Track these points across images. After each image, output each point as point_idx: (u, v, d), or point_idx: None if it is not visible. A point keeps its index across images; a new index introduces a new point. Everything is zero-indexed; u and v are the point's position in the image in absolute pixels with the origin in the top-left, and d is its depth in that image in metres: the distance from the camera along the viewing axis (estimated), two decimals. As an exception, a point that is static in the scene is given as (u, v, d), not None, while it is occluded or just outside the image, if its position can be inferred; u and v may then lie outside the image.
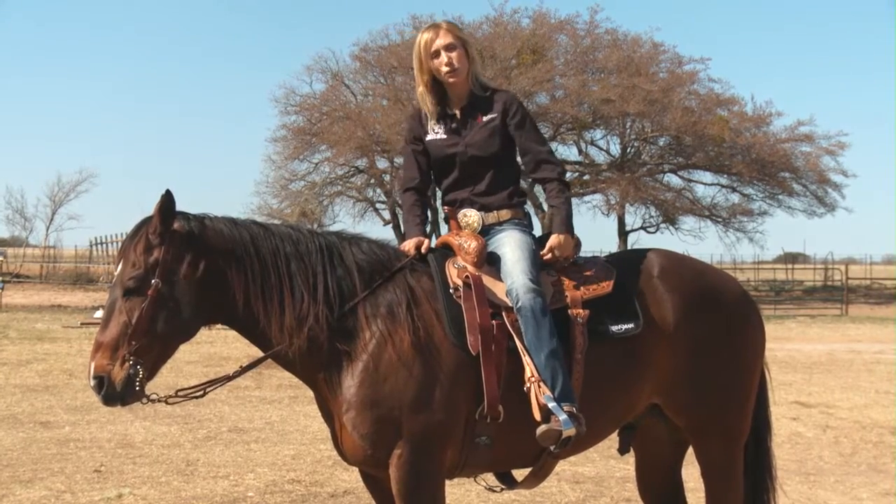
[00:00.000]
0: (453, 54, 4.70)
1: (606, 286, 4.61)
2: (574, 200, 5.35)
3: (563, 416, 4.24)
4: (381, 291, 4.41)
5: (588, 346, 4.47)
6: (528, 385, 4.31)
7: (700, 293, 4.80)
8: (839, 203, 45.26)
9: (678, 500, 5.20)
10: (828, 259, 60.53)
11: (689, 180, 46.91)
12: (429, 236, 4.77)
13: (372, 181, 47.01)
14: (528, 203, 5.12)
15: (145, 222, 4.30)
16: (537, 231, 4.83)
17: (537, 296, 4.35)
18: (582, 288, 4.58)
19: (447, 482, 4.46)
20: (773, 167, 43.01)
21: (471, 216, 4.72)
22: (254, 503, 7.43)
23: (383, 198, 47.34)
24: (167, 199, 4.24)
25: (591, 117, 40.85)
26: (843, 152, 43.96)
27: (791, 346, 20.81)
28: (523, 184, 4.96)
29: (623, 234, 48.23)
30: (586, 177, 44.02)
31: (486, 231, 4.70)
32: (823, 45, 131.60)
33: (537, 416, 4.29)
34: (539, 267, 4.53)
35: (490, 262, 4.56)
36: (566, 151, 44.66)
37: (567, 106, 38.41)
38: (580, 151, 45.89)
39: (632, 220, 48.32)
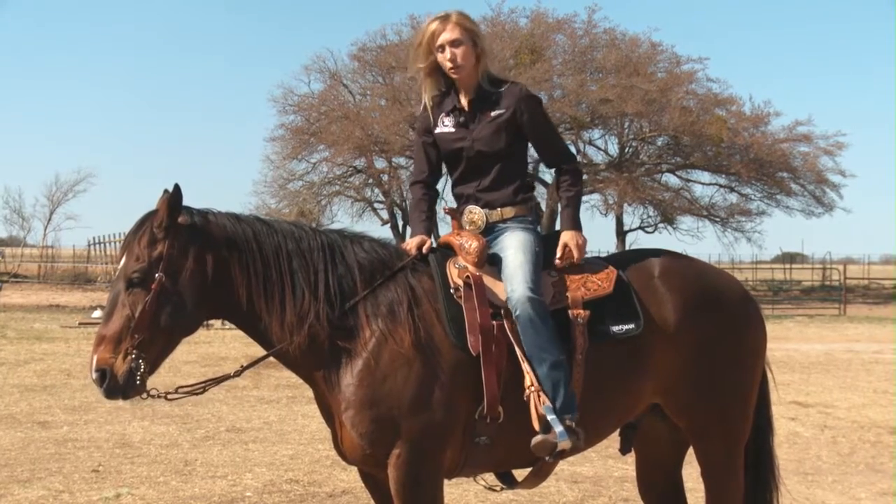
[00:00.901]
0: (458, 50, 4.63)
1: (607, 287, 4.59)
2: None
3: (559, 429, 4.24)
4: (382, 290, 4.40)
5: (589, 347, 4.46)
6: (527, 393, 4.31)
7: (701, 293, 4.79)
8: (837, 203, 45.39)
9: (678, 500, 5.20)
10: (826, 259, 60.60)
11: (688, 180, 46.98)
12: (432, 232, 4.76)
13: (370, 181, 47.04)
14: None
15: (149, 216, 4.30)
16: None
17: (536, 305, 4.32)
18: (582, 288, 4.56)
19: (446, 482, 4.45)
20: (771, 167, 43.05)
21: (475, 213, 4.70)
22: (252, 503, 7.42)
23: (381, 198, 47.38)
24: (176, 193, 4.25)
25: (590, 117, 40.87)
26: (842, 152, 44.07)
27: (789, 346, 20.81)
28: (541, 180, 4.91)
29: (621, 233, 48.28)
30: (584, 177, 43.97)
31: (490, 228, 4.68)
32: (822, 45, 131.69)
33: (536, 425, 4.29)
34: (540, 269, 4.50)
35: (491, 262, 4.55)
36: (564, 151, 44.59)
37: (565, 106, 38.42)
38: (578, 151, 45.81)
39: (630, 219, 48.45)
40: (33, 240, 59.18)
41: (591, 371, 4.46)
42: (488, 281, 4.45)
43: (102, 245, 48.17)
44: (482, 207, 4.69)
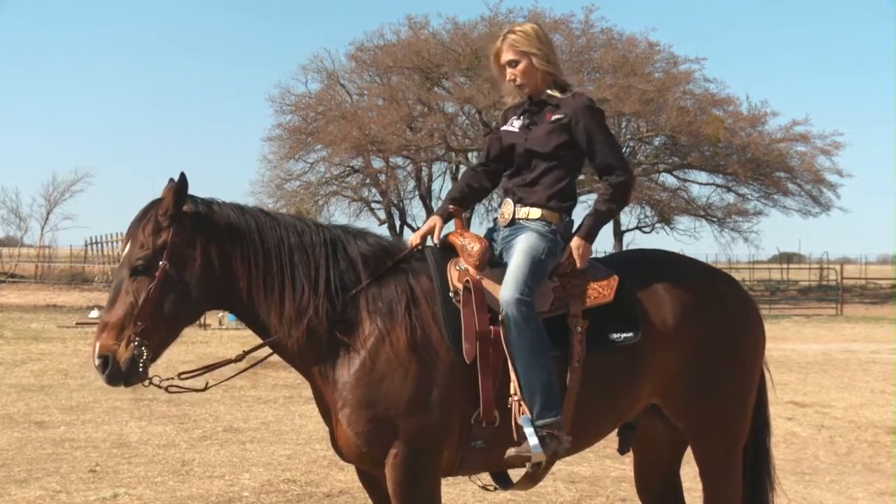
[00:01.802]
0: (517, 70, 4.71)
1: (608, 294, 4.57)
2: (577, 200, 5.29)
3: (533, 442, 4.25)
4: (383, 286, 4.41)
5: (587, 354, 4.46)
6: (510, 401, 4.32)
7: (700, 294, 4.79)
8: (834, 203, 45.45)
9: (676, 501, 5.19)
10: (823, 259, 60.68)
11: (685, 180, 47.02)
12: (447, 215, 4.78)
13: (367, 181, 47.03)
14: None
15: (154, 204, 4.32)
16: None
17: (521, 307, 4.31)
18: (583, 296, 4.56)
19: (443, 481, 4.46)
20: (768, 167, 43.10)
21: (506, 206, 4.75)
22: (249, 503, 7.42)
23: (379, 197, 47.35)
24: (182, 182, 4.27)
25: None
26: (839, 152, 44.11)
27: (786, 346, 20.82)
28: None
29: (618, 233, 48.27)
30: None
31: (512, 224, 4.69)
32: (819, 45, 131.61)
33: (514, 435, 4.31)
34: (542, 275, 4.49)
35: (495, 264, 4.56)
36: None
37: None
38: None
39: (627, 219, 48.40)
40: (30, 240, 59.08)
41: (588, 376, 4.46)
42: (488, 285, 4.44)
43: (99, 245, 48.17)
44: (515, 203, 4.71)
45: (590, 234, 4.67)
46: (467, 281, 4.39)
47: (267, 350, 4.56)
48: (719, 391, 4.76)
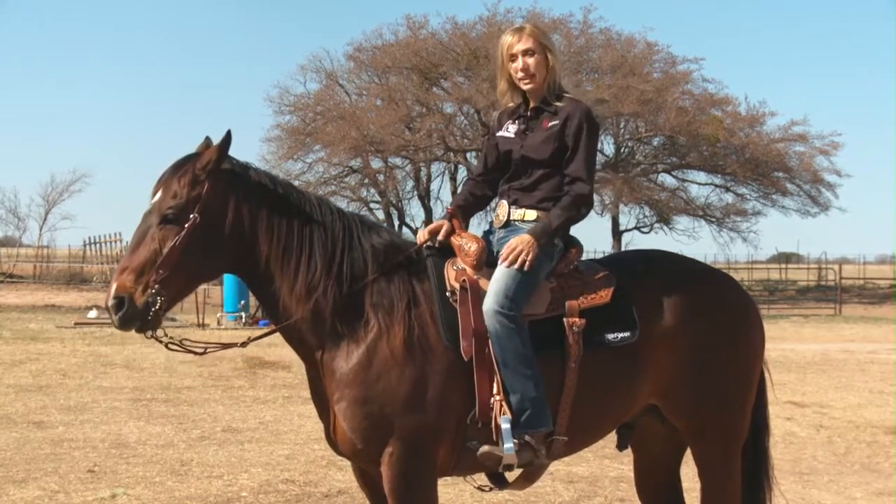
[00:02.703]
0: (531, 60, 4.65)
1: (605, 295, 4.56)
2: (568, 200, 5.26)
3: (507, 444, 4.25)
4: (388, 282, 4.42)
5: (584, 354, 4.45)
6: (492, 401, 4.31)
7: (699, 294, 4.78)
8: (833, 203, 45.55)
9: (676, 501, 5.19)
10: (821, 259, 60.77)
11: (683, 180, 47.08)
12: (455, 222, 4.75)
13: (366, 181, 47.09)
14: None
15: (192, 157, 4.34)
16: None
17: (502, 319, 4.30)
18: (580, 296, 4.55)
19: (440, 481, 4.46)
20: (766, 167, 43.17)
21: (501, 207, 4.74)
22: (248, 503, 7.42)
23: (377, 198, 47.39)
24: (227, 139, 4.31)
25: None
26: (837, 152, 44.20)
27: (785, 346, 20.82)
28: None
29: (617, 234, 48.28)
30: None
31: (507, 225, 4.69)
32: (817, 45, 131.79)
33: (495, 434, 4.31)
34: (532, 281, 4.45)
35: (492, 264, 4.55)
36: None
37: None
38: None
39: (626, 220, 48.47)
40: (29, 240, 59.14)
41: (585, 377, 4.45)
42: (485, 285, 4.44)
43: (98, 245, 48.15)
44: (511, 204, 4.71)
45: (540, 234, 4.49)
46: (464, 280, 4.40)
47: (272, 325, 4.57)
48: (718, 391, 4.76)
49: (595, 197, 5.99)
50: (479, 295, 4.39)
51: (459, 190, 5.11)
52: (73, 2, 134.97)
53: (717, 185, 46.51)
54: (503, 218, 4.71)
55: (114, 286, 4.13)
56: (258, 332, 4.80)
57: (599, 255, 5.12)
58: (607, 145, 45.92)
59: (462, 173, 43.76)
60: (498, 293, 4.37)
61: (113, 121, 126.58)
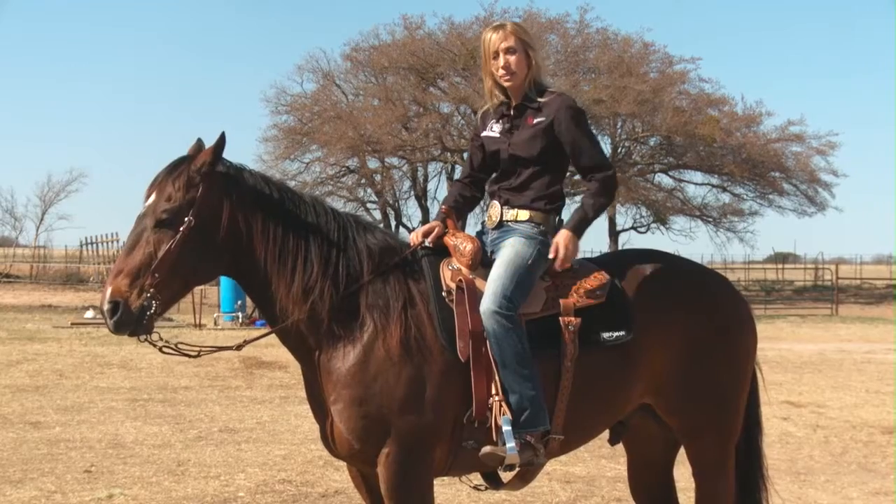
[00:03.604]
0: (512, 57, 4.64)
1: (600, 295, 4.57)
2: (566, 201, 5.32)
3: (510, 444, 4.26)
4: (383, 283, 4.42)
5: (579, 353, 4.46)
6: (491, 401, 4.32)
7: (692, 294, 4.80)
8: (829, 202, 45.59)
9: (670, 500, 5.21)
10: (818, 259, 60.80)
11: (680, 180, 47.12)
12: (448, 223, 4.75)
13: (363, 181, 47.08)
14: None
15: (186, 159, 4.33)
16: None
17: (500, 319, 4.31)
18: (574, 295, 4.55)
19: (437, 481, 4.46)
20: (763, 167, 43.20)
21: (493, 208, 4.74)
22: (244, 503, 7.42)
23: (374, 198, 47.39)
24: (221, 141, 4.30)
25: (582, 117, 40.86)
26: (834, 152, 44.23)
27: (781, 346, 20.84)
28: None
29: (614, 233, 48.31)
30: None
31: (501, 226, 4.69)
32: (814, 44, 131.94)
33: (493, 435, 4.31)
34: (528, 281, 4.47)
35: (487, 264, 4.55)
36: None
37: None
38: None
39: (623, 219, 48.50)
40: (25, 240, 59.02)
41: (581, 376, 4.46)
42: (481, 284, 4.45)
43: (95, 245, 48.05)
44: (502, 205, 4.71)
45: (577, 228, 4.61)
46: (460, 280, 4.40)
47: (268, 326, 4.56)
48: (711, 390, 4.77)
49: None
50: (475, 295, 4.39)
51: (447, 192, 5.09)
52: (72, 2, 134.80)
53: (713, 185, 46.58)
54: (496, 219, 4.71)
55: (108, 290, 4.11)
56: (255, 333, 4.80)
57: (596, 255, 5.11)
58: (604, 145, 45.90)
59: (459, 173, 43.67)
60: (496, 293, 4.37)
61: (110, 121, 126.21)
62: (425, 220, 36.17)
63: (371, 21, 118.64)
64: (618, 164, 43.66)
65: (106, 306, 4.11)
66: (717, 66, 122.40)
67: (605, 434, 5.10)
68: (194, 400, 12.33)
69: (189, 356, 4.53)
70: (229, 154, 4.40)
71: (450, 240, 4.61)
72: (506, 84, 4.71)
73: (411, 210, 48.46)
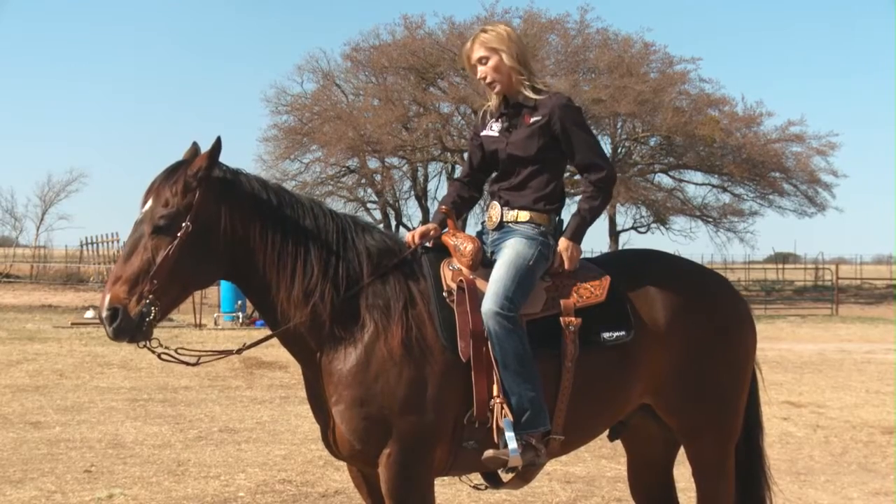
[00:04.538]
0: (487, 67, 4.67)
1: (600, 294, 4.57)
2: (566, 200, 5.34)
3: (512, 446, 4.26)
4: (383, 284, 4.41)
5: (579, 353, 4.46)
6: (492, 403, 4.32)
7: (692, 294, 4.79)
8: (830, 203, 45.59)
9: (670, 500, 5.21)
10: (818, 259, 60.78)
11: (680, 180, 47.13)
12: (446, 224, 4.75)
13: (363, 181, 47.11)
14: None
15: (181, 164, 4.32)
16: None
17: (501, 320, 4.31)
18: (575, 295, 4.56)
19: (437, 481, 4.46)
20: (763, 167, 43.20)
21: (493, 209, 4.74)
22: (245, 503, 7.42)
23: (374, 198, 47.41)
24: (217, 146, 4.28)
25: (583, 117, 40.89)
26: (834, 152, 44.23)
27: (782, 346, 20.84)
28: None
29: (614, 233, 48.32)
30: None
31: (501, 227, 4.69)
32: (814, 45, 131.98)
33: (495, 436, 4.31)
34: (529, 281, 4.47)
35: (488, 264, 4.55)
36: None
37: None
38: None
39: (623, 220, 48.51)
40: (25, 240, 59.12)
41: (581, 376, 4.46)
42: (481, 285, 4.45)
43: (95, 245, 48.10)
44: (502, 206, 4.71)
45: (576, 235, 4.65)
46: (461, 281, 4.40)
47: (269, 331, 4.55)
48: (711, 390, 4.77)
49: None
50: (476, 295, 4.39)
51: (446, 192, 5.09)
52: (72, 2, 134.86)
53: (713, 186, 46.59)
54: (496, 220, 4.71)
55: (107, 297, 4.10)
56: (255, 333, 4.81)
57: (596, 255, 5.11)
58: (604, 145, 45.90)
59: (459, 173, 43.65)
60: (497, 294, 4.37)
61: (110, 121, 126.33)
62: (425, 220, 35.89)
63: (371, 21, 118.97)
64: (618, 164, 43.68)
65: (105, 313, 4.10)
66: (717, 66, 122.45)
67: (605, 433, 5.10)
68: (194, 400, 12.33)
69: (188, 363, 4.52)
70: (229, 154, 4.39)
71: (450, 240, 4.60)
72: (493, 91, 4.74)
73: (411, 210, 48.52)
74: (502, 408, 4.29)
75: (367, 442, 4.26)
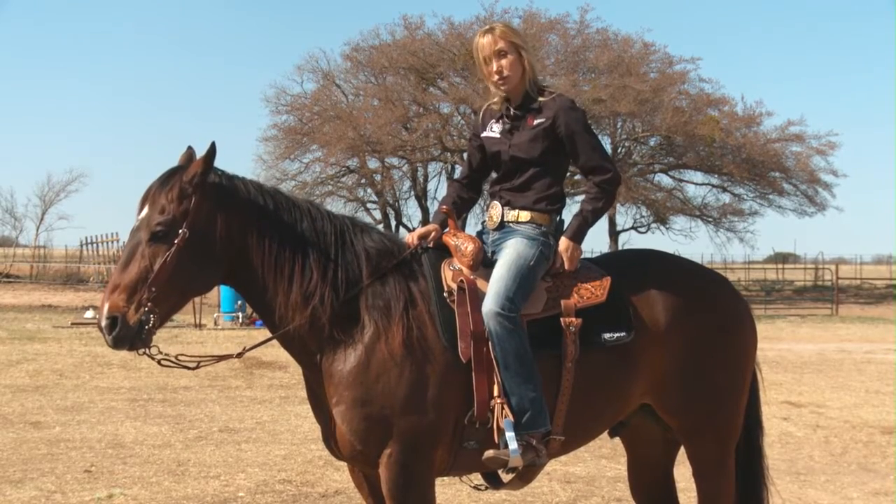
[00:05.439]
0: (504, 61, 4.64)
1: (601, 295, 4.57)
2: (566, 201, 5.35)
3: (513, 446, 4.26)
4: (383, 285, 4.41)
5: (580, 354, 4.46)
6: (492, 404, 4.32)
7: (692, 294, 4.79)
8: (829, 203, 45.58)
9: (670, 500, 5.21)
10: (818, 259, 60.77)
11: (680, 180, 47.12)
12: (447, 225, 4.75)
13: (363, 181, 47.08)
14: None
15: (177, 171, 4.30)
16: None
17: (502, 321, 4.31)
18: (575, 296, 4.56)
19: (438, 481, 4.46)
20: (763, 167, 43.19)
21: (494, 209, 4.74)
22: (245, 503, 7.42)
23: (374, 198, 47.39)
24: (212, 151, 4.27)
25: (582, 117, 40.89)
26: (834, 152, 44.22)
27: (782, 346, 20.85)
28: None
29: (614, 233, 48.31)
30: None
31: (502, 227, 4.69)
32: (814, 45, 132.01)
33: (496, 437, 4.31)
34: (530, 281, 4.47)
35: (488, 264, 4.55)
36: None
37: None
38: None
39: (623, 219, 48.49)
40: (25, 240, 58.99)
41: (582, 376, 4.46)
42: (482, 285, 4.44)
43: (95, 245, 48.09)
44: (504, 206, 4.71)
45: (577, 235, 4.66)
46: (461, 281, 4.40)
47: (268, 332, 4.54)
48: (711, 391, 4.77)
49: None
50: (477, 296, 4.39)
51: (446, 193, 5.08)
52: (72, 2, 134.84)
53: (713, 185, 46.58)
54: (497, 220, 4.71)
55: (106, 306, 4.09)
56: (255, 333, 4.81)
57: (596, 255, 5.11)
58: (604, 145, 45.86)
59: (458, 174, 43.64)
60: (498, 294, 4.37)
61: (110, 120, 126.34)
62: (425, 221, 36.11)
63: (371, 21, 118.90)
64: (618, 163, 43.60)
65: (104, 322, 4.09)
66: (717, 66, 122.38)
67: (605, 433, 5.11)
68: (194, 400, 12.33)
69: (188, 368, 4.52)
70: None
71: (451, 240, 4.60)
72: (502, 88, 4.71)
73: (411, 210, 48.50)
74: (503, 408, 4.29)
75: (367, 442, 4.26)
